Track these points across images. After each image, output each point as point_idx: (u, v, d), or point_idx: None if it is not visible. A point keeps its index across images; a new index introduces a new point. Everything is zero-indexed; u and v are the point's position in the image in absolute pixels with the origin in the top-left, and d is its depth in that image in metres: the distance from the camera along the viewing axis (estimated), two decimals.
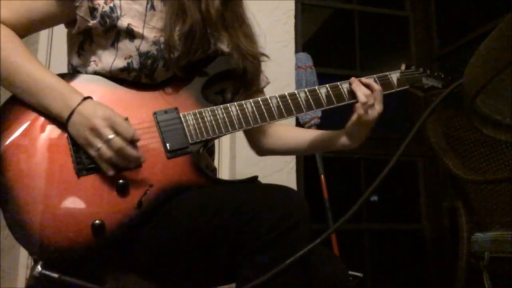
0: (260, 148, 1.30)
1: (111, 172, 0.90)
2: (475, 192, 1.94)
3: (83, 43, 1.04)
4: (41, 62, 0.98)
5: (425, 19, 2.86)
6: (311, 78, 2.38)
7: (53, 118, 0.93)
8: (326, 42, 3.01)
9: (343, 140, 1.17)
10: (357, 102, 1.10)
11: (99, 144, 0.89)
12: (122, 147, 0.89)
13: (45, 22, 1.03)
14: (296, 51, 2.46)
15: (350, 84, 1.12)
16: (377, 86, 1.11)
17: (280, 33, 2.43)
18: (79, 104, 0.91)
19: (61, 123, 0.93)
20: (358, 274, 1.91)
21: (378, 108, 1.10)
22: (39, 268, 0.86)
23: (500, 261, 1.67)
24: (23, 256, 1.99)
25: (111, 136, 0.89)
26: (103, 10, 0.99)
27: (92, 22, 0.99)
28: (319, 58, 2.52)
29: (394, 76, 1.19)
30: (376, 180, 0.87)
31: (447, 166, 1.86)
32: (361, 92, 1.09)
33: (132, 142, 0.91)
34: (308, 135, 1.24)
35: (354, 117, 1.11)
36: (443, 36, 2.78)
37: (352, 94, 1.12)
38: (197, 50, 1.03)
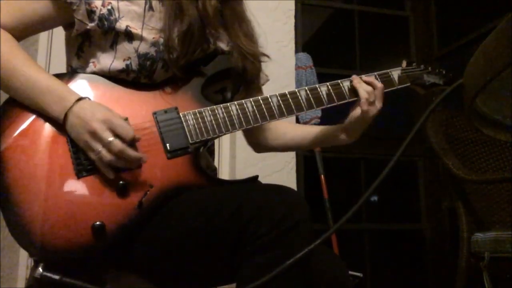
0: (260, 145, 1.29)
1: (111, 176, 0.90)
2: (475, 192, 1.94)
3: (82, 45, 1.03)
4: (39, 64, 0.98)
5: (425, 19, 2.86)
6: (311, 78, 2.38)
7: (52, 119, 0.93)
8: (326, 42, 3.01)
9: (341, 136, 1.16)
10: (358, 100, 1.10)
11: (99, 147, 0.89)
12: (122, 149, 0.89)
13: (43, 25, 1.02)
14: (296, 51, 2.46)
15: (351, 81, 1.11)
16: (378, 84, 1.11)
17: (280, 33, 2.43)
18: (73, 105, 0.91)
19: (61, 124, 0.92)
20: (358, 274, 1.91)
21: (378, 105, 1.10)
22: (40, 270, 0.86)
23: (500, 261, 1.67)
24: (23, 256, 1.99)
25: (110, 139, 0.88)
26: (101, 12, 0.98)
27: (90, 25, 0.99)
28: (319, 58, 2.52)
29: (395, 73, 1.17)
30: (376, 180, 0.87)
31: (447, 166, 1.86)
32: (362, 89, 1.09)
33: (132, 142, 0.91)
34: (307, 131, 1.23)
35: (354, 113, 1.10)
36: (443, 36, 2.78)
37: (353, 92, 1.11)
38: (195, 49, 1.02)
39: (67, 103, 0.91)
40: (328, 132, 1.19)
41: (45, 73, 0.95)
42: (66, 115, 0.91)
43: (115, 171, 0.91)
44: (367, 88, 1.09)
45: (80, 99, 0.92)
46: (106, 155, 0.89)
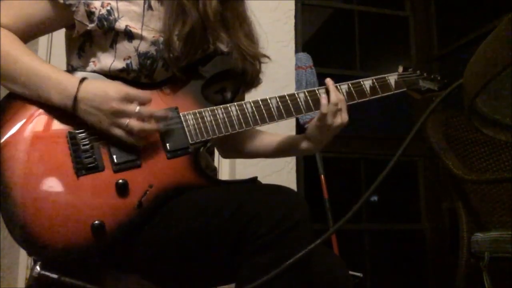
0: (231, 151, 1.29)
1: (143, 143, 0.93)
2: (475, 192, 1.94)
3: (83, 45, 1.04)
4: (39, 56, 0.98)
5: (425, 19, 2.86)
6: (311, 78, 2.38)
7: (51, 116, 0.93)
8: (326, 42, 3.01)
9: (304, 144, 1.16)
10: (355, 103, 1.11)
11: (126, 120, 0.90)
12: (152, 112, 0.93)
13: (43, 28, 1.02)
14: (296, 51, 2.46)
15: (326, 85, 1.11)
16: (341, 96, 1.10)
17: (280, 33, 2.43)
18: (77, 90, 0.91)
19: (60, 120, 0.93)
20: (358, 274, 1.91)
21: (343, 116, 1.09)
22: (37, 268, 0.86)
23: (500, 261, 1.67)
24: (23, 256, 1.99)
25: (138, 109, 0.91)
26: (100, 13, 0.99)
27: (90, 26, 0.99)
28: (319, 58, 2.52)
29: (392, 78, 1.20)
30: (376, 180, 0.87)
31: (447, 166, 1.86)
32: (335, 94, 1.08)
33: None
34: (274, 140, 1.24)
35: (316, 118, 1.09)
36: (443, 36, 2.78)
37: (350, 95, 1.13)
38: (196, 50, 1.03)
39: (70, 89, 0.91)
40: (291, 141, 1.20)
41: (46, 63, 0.96)
42: (75, 102, 0.91)
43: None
44: (339, 95, 1.09)
45: (81, 81, 0.92)
46: (136, 124, 0.91)
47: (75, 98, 0.91)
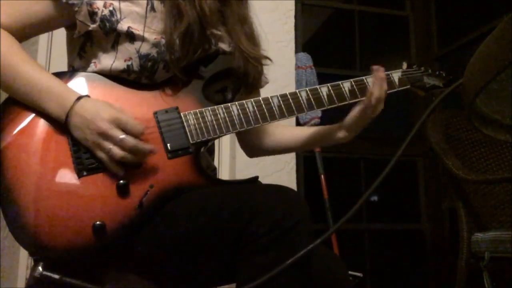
0: (254, 149, 1.28)
1: (121, 172, 0.90)
2: (475, 192, 1.94)
3: (84, 45, 1.03)
4: (40, 64, 0.98)
5: (425, 19, 2.87)
6: (311, 78, 2.38)
7: (52, 117, 0.93)
8: (326, 42, 3.02)
9: (341, 133, 1.14)
10: (357, 101, 1.10)
11: (110, 145, 0.89)
12: (135, 144, 0.89)
13: (44, 26, 1.02)
14: (296, 51, 2.47)
15: (369, 78, 1.10)
16: (385, 85, 1.11)
17: (280, 33, 2.43)
18: (73, 105, 0.90)
19: (61, 123, 0.92)
20: (358, 274, 1.91)
21: (382, 106, 1.10)
22: (40, 269, 0.86)
23: (500, 261, 1.67)
24: (23, 256, 1.99)
25: (122, 136, 0.89)
26: (103, 14, 0.98)
27: (92, 26, 0.98)
28: (319, 58, 2.52)
29: (396, 75, 1.17)
30: (376, 180, 0.87)
31: (447, 166, 1.86)
32: (379, 87, 1.08)
33: (140, 136, 0.91)
34: (305, 132, 1.22)
35: (358, 111, 1.09)
36: (443, 36, 2.79)
37: (352, 93, 1.11)
38: (196, 50, 1.02)
39: (67, 103, 0.91)
40: (325, 132, 1.18)
41: (46, 73, 0.95)
42: (68, 116, 0.90)
43: (125, 170, 0.91)
44: (384, 87, 1.09)
45: (79, 98, 0.92)
46: (118, 152, 0.88)
47: (69, 112, 0.90)
